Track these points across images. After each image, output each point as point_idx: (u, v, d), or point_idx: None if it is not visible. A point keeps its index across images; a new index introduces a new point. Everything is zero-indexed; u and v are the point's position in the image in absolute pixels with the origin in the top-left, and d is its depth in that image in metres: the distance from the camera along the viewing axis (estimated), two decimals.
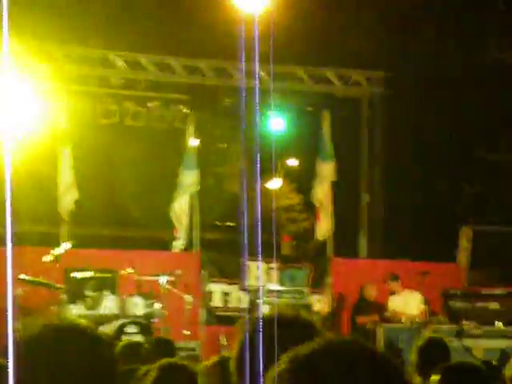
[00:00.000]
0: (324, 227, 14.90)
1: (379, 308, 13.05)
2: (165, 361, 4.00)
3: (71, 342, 1.92)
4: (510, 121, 18.07)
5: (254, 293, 13.09)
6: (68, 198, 13.68)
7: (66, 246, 11.56)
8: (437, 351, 5.24)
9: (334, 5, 16.91)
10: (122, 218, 15.87)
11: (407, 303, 12.16)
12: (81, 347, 1.92)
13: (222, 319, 13.41)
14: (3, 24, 1.39)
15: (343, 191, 15.96)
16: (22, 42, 12.01)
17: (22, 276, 10.68)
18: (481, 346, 10.44)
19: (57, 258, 11.36)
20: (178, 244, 14.23)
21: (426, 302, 11.59)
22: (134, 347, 6.02)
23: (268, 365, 2.09)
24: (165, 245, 15.22)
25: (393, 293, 12.50)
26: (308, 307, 12.20)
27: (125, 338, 10.37)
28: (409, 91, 18.36)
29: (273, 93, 15.95)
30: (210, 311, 13.39)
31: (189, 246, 14.32)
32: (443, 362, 4.41)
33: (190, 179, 14.36)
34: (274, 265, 13.77)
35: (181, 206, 14.22)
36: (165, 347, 6.30)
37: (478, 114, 18.76)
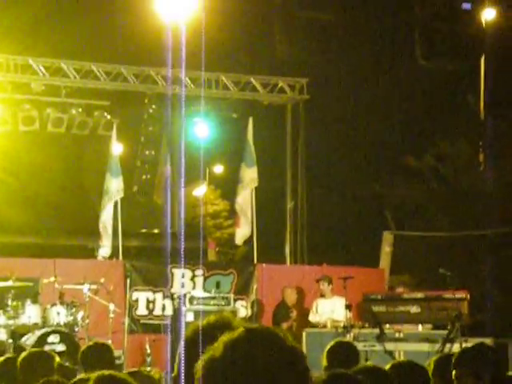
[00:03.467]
0: (243, 232, 14.98)
1: (301, 312, 13.15)
2: (100, 373, 3.79)
3: None
4: (437, 129, 18.42)
5: (178, 300, 13.03)
6: None
7: None
8: (345, 354, 5.29)
9: (259, 13, 17.01)
10: (43, 225, 15.62)
11: (334, 308, 12.28)
12: None
13: (147, 327, 13.32)
14: None
15: (268, 197, 16.06)
16: None
17: None
18: (402, 349, 10.61)
19: None
20: (104, 252, 14.08)
21: (350, 307, 11.73)
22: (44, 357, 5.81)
23: None
24: (88, 253, 15.03)
25: (322, 295, 12.60)
26: (233, 313, 12.20)
27: (47, 348, 10.20)
28: (332, 97, 18.59)
29: (198, 99, 15.94)
30: (134, 319, 13.28)
31: (112, 254, 14.19)
32: (352, 364, 4.46)
33: (115, 186, 14.24)
34: (199, 271, 13.75)
35: (107, 214, 14.10)
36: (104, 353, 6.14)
37: (405, 120, 19.09)
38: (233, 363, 1.74)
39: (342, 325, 11.41)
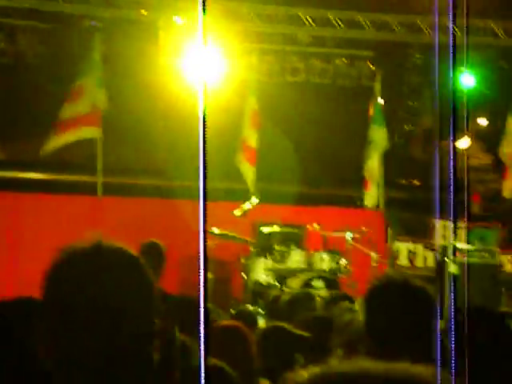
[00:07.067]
0: (511, 185, 14.44)
1: None
2: None
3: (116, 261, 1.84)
4: None
5: (441, 252, 12.88)
6: (251, 152, 13.94)
7: (254, 201, 11.85)
8: None
9: None
10: (308, 175, 16.04)
11: None
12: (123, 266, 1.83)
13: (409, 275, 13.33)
14: None
15: None
16: (214, 2, 12.29)
17: (214, 229, 11.09)
18: None
19: (245, 213, 11.69)
20: (369, 201, 14.20)
21: None
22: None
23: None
24: (349, 202, 15.24)
25: None
26: (498, 267, 11.87)
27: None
28: None
29: (465, 48, 15.47)
30: (396, 269, 13.34)
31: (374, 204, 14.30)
32: None
33: (379, 136, 14.29)
34: (462, 224, 13.50)
35: (373, 163, 14.19)
36: None
37: None
38: None
39: None
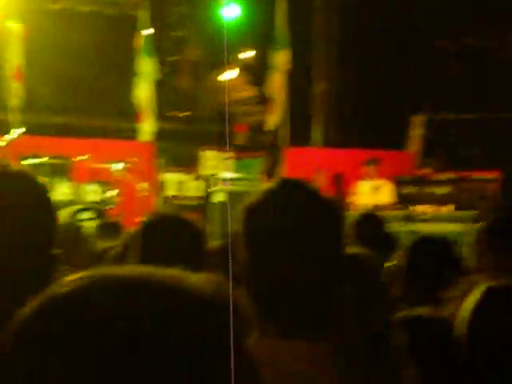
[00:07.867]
0: (275, 118, 14.94)
1: (334, 195, 13.23)
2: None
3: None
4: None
5: (209, 181, 13.17)
6: (16, 83, 13.39)
7: (17, 133, 11.45)
8: (371, 224, 5.22)
9: None
10: (77, 106, 15.69)
11: (375, 191, 12.21)
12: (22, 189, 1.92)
13: (178, 208, 13.54)
14: None
15: (298, 80, 15.89)
16: None
17: None
18: (429, 230, 10.64)
19: (8, 145, 11.27)
20: (144, 133, 14.14)
21: (382, 189, 11.78)
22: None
23: None
24: (121, 134, 15.13)
25: (364, 177, 12.47)
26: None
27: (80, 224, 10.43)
28: None
29: None
30: (166, 199, 13.49)
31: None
32: (378, 233, 4.65)
33: (148, 67, 14.18)
34: (229, 154, 13.85)
35: (144, 95, 14.07)
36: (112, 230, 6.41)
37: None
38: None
39: (380, 207, 11.31)
